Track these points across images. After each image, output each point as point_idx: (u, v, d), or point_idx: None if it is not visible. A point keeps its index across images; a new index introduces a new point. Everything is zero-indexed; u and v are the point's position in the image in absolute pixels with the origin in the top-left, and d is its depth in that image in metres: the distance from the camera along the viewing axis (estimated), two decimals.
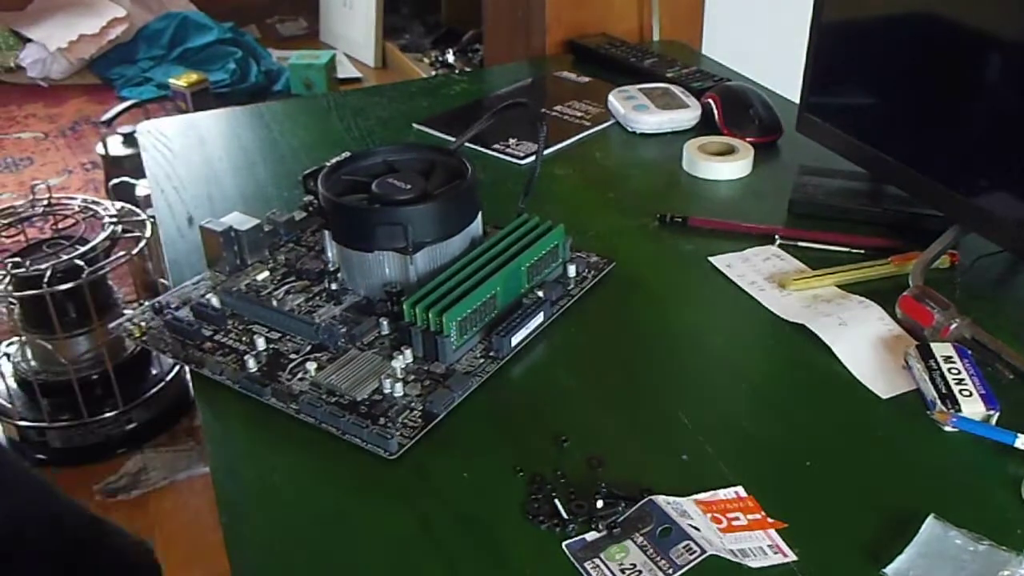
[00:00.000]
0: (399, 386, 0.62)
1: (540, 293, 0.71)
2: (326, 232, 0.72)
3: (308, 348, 0.66)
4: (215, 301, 0.70)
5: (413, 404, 0.61)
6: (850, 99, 0.87)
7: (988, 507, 0.55)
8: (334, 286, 0.72)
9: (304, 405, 0.61)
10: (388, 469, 0.58)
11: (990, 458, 0.58)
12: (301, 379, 0.63)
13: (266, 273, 0.74)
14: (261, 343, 0.66)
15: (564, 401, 0.64)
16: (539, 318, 0.69)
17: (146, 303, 0.72)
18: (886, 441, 0.60)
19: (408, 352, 0.64)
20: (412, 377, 0.63)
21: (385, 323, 0.68)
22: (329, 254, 0.74)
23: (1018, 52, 0.68)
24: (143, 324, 0.70)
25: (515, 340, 0.67)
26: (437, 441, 0.60)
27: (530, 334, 0.68)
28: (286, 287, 0.72)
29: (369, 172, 0.73)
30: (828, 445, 0.60)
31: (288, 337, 0.67)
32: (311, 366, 0.64)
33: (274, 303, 0.70)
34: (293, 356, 0.65)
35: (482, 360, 0.65)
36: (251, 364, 0.64)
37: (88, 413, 1.58)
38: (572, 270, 0.75)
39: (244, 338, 0.67)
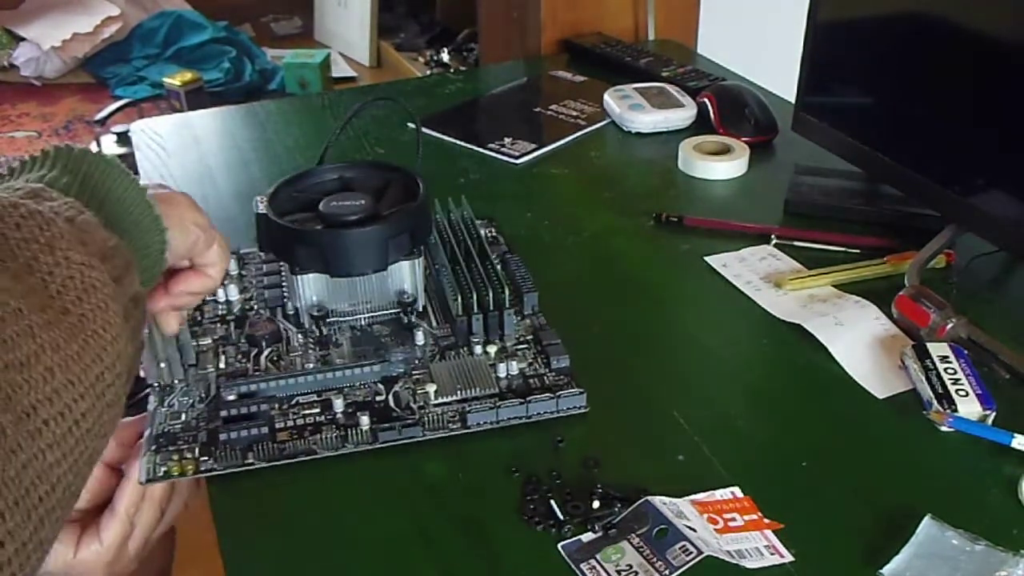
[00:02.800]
0: (513, 363, 0.64)
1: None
2: (301, 279, 0.66)
3: (379, 387, 0.63)
4: (246, 392, 0.62)
5: (539, 369, 0.64)
6: (846, 98, 0.87)
7: (985, 507, 0.55)
8: (325, 329, 0.68)
9: (482, 415, 0.60)
10: (383, 469, 0.58)
11: (987, 458, 0.58)
12: (423, 406, 0.61)
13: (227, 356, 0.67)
14: (339, 404, 0.61)
15: None
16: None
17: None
18: (882, 441, 0.60)
19: (479, 338, 0.66)
20: (505, 355, 0.66)
21: (420, 333, 0.67)
22: (305, 301, 0.67)
23: (1013, 51, 0.68)
24: (184, 460, 0.58)
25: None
26: (432, 441, 0.59)
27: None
28: (263, 358, 0.66)
29: (310, 202, 0.69)
30: (824, 445, 0.60)
31: (345, 391, 0.63)
32: (431, 388, 0.62)
33: (336, 362, 0.65)
34: (379, 398, 0.62)
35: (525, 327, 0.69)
36: (364, 421, 0.59)
37: None
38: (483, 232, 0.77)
39: (300, 411, 0.61)
